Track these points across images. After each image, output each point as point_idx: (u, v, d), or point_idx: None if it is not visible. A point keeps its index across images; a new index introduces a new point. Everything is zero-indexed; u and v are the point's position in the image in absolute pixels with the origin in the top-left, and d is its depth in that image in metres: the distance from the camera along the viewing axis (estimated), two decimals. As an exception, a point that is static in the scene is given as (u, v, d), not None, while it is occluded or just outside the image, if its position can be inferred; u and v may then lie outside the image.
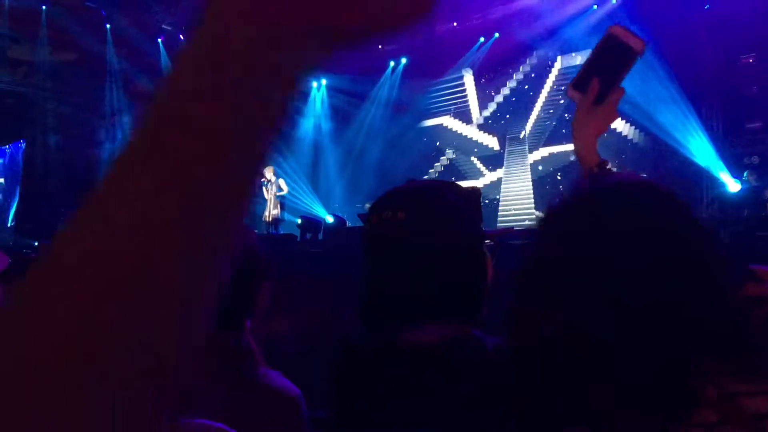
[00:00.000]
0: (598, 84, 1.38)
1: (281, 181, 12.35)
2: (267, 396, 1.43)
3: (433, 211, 1.26)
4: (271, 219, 12.06)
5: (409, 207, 1.24)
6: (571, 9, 12.32)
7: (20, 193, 14.93)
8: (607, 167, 1.40)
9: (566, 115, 13.41)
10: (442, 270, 1.23)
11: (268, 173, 12.32)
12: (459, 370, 1.19)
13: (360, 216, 10.95)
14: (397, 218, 1.23)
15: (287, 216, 12.79)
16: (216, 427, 1.25)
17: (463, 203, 1.32)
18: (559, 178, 13.07)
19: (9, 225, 14.96)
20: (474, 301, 1.27)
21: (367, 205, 12.43)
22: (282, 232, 11.78)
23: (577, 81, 1.41)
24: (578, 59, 13.11)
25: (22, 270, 1.75)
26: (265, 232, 11.83)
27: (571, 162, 13.24)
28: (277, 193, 12.16)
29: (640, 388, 0.75)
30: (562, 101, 13.49)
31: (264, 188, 12.19)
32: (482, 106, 14.87)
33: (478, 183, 14.02)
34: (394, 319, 1.26)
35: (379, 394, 1.25)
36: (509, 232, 2.86)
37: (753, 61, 10.99)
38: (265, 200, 12.22)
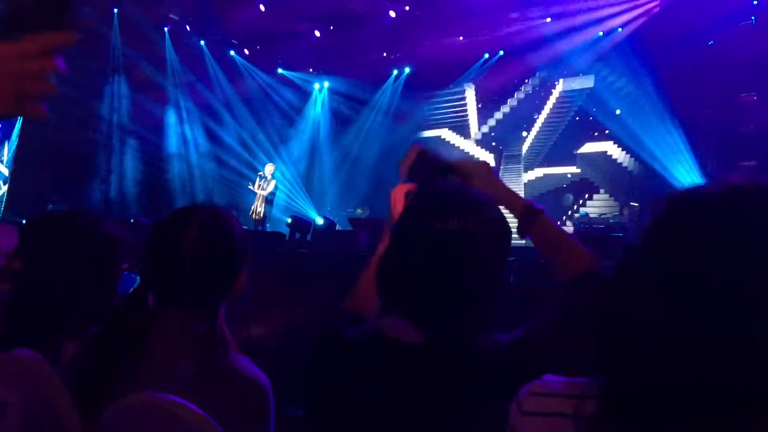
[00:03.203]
0: (447, 171, 1.53)
1: (273, 182, 12.39)
2: (235, 381, 1.44)
3: (499, 234, 1.29)
4: (257, 216, 12.11)
5: (481, 224, 1.25)
6: (576, 34, 12.38)
7: (12, 170, 14.86)
8: (536, 208, 1.44)
9: (563, 136, 13.49)
10: (485, 287, 1.24)
11: (268, 171, 12.35)
12: (438, 371, 1.20)
13: (351, 219, 10.96)
14: (468, 230, 1.23)
15: (278, 214, 12.80)
16: (181, 403, 1.26)
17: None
18: (550, 200, 13.11)
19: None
20: (488, 311, 1.27)
21: (359, 210, 12.33)
22: (271, 230, 11.78)
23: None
24: (580, 83, 13.19)
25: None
26: (253, 228, 11.86)
27: (566, 184, 13.30)
28: (263, 191, 12.22)
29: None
30: (560, 123, 13.58)
31: (259, 182, 12.25)
32: (481, 121, 14.92)
33: (471, 198, 14.01)
34: (414, 319, 1.25)
35: (357, 388, 1.26)
36: None
37: (754, 99, 11.07)
38: (254, 195, 12.29)
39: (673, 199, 0.88)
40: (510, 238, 1.33)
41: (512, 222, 1.36)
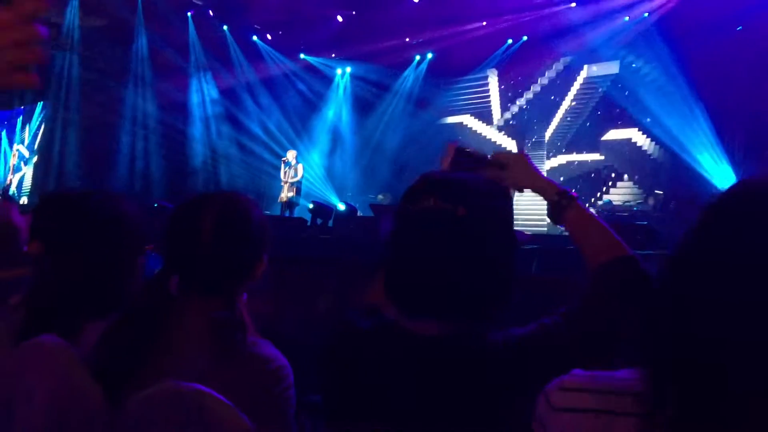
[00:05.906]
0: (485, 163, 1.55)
1: (300, 167, 12.49)
2: (254, 364, 1.45)
3: (492, 214, 1.27)
4: (285, 200, 12.26)
5: (469, 204, 1.23)
6: (602, 19, 12.22)
7: (36, 156, 15.05)
8: (570, 194, 1.45)
9: (587, 123, 13.37)
10: (479, 271, 1.23)
11: (291, 156, 12.46)
12: (450, 364, 1.20)
13: (372, 205, 10.96)
14: (456, 213, 1.21)
15: (300, 200, 12.88)
16: (205, 392, 1.27)
17: (510, 207, 1.34)
18: (577, 186, 12.99)
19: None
20: (496, 302, 1.26)
21: (380, 197, 12.34)
22: (294, 216, 11.87)
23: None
24: (605, 69, 13.04)
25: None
26: (279, 213, 11.97)
27: (589, 171, 13.18)
28: (292, 179, 12.33)
29: None
30: (584, 110, 13.44)
31: (284, 169, 12.39)
32: (504, 108, 14.82)
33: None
34: (411, 308, 1.26)
35: (370, 379, 1.26)
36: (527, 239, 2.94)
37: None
38: (282, 182, 12.43)
39: (738, 188, 0.83)
40: (508, 225, 1.31)
41: (532, 216, 1.34)
